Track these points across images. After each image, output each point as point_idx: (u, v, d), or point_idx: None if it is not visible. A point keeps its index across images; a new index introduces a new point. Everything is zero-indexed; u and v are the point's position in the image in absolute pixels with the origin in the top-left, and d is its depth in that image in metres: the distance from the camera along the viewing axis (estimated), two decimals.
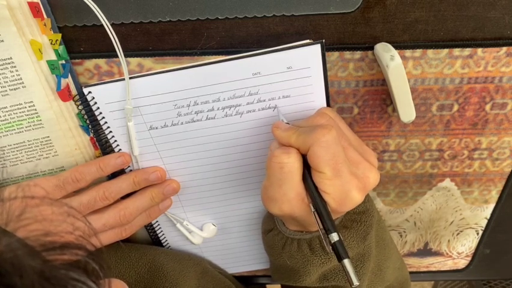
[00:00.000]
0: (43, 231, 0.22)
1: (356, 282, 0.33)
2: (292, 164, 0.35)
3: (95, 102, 0.40)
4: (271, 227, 0.44)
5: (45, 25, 0.36)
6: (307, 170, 0.36)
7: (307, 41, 0.38)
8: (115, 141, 0.43)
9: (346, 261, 0.33)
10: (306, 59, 0.38)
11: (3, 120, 0.39)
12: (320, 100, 0.40)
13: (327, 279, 0.43)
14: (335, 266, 0.42)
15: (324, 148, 0.34)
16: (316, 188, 0.36)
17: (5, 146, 0.40)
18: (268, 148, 0.39)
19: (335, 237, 0.34)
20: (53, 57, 0.38)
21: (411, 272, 0.61)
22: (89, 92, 0.39)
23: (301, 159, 0.36)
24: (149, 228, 0.51)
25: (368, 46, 0.40)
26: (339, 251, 0.34)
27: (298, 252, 0.41)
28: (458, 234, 0.56)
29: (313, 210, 0.36)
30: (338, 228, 0.35)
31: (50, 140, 0.41)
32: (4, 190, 0.24)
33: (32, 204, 0.23)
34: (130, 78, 0.39)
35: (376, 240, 0.44)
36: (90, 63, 0.40)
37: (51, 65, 0.38)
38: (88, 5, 0.36)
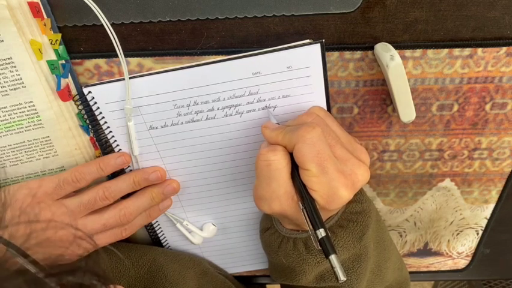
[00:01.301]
0: (49, 256, 0.22)
1: (342, 278, 0.33)
2: (278, 161, 0.36)
3: (95, 102, 0.40)
4: (268, 225, 0.44)
5: (45, 25, 0.36)
6: (295, 168, 0.36)
7: (307, 40, 0.38)
8: (115, 141, 0.43)
9: (333, 257, 0.34)
10: (306, 59, 0.38)
11: (3, 120, 0.39)
12: (319, 100, 0.41)
13: (324, 280, 0.43)
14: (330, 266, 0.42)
15: (309, 145, 0.34)
16: (304, 185, 0.36)
17: (5, 146, 0.40)
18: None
19: (322, 233, 0.35)
20: (53, 57, 0.38)
21: (411, 272, 0.61)
22: (89, 92, 0.39)
23: (289, 157, 0.37)
24: (149, 228, 0.51)
25: (368, 46, 0.40)
26: (326, 247, 0.34)
27: (294, 251, 0.41)
28: (458, 234, 0.56)
29: (301, 207, 0.36)
30: (325, 225, 0.36)
31: (50, 140, 0.41)
32: (5, 214, 0.24)
33: (38, 228, 0.23)
34: (130, 78, 0.39)
35: (376, 241, 0.44)
36: (90, 63, 0.40)
37: (51, 65, 0.38)
38: (88, 5, 0.36)
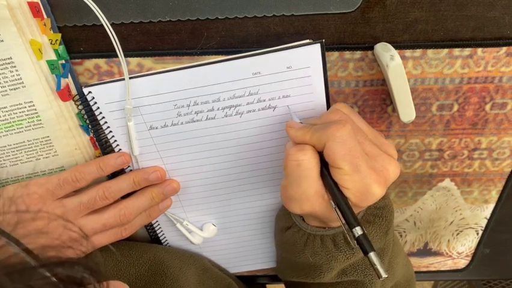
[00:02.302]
0: (39, 247, 0.21)
1: (384, 275, 0.33)
2: (308, 160, 0.35)
3: (95, 102, 0.40)
4: (289, 224, 0.44)
5: (45, 25, 0.36)
6: (324, 167, 0.36)
7: (307, 40, 0.38)
8: (115, 141, 0.43)
9: (372, 255, 0.33)
10: (306, 59, 0.38)
11: (3, 120, 0.39)
12: (319, 100, 0.41)
13: (346, 274, 0.43)
14: (354, 261, 0.42)
15: (340, 143, 0.34)
16: (335, 184, 0.35)
17: (5, 146, 0.41)
18: (284, 149, 0.39)
19: (358, 231, 0.34)
20: (53, 57, 0.38)
21: None
22: (89, 92, 0.39)
23: (318, 156, 0.36)
24: (149, 228, 0.51)
25: (368, 46, 0.40)
26: (364, 245, 0.34)
27: (322, 249, 0.41)
28: (458, 234, 0.56)
29: (334, 206, 0.36)
30: (361, 223, 0.35)
31: (50, 140, 0.41)
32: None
33: (27, 218, 0.23)
34: (130, 78, 0.39)
35: None
36: (90, 63, 0.40)
37: (51, 64, 0.38)
38: (88, 5, 0.36)
